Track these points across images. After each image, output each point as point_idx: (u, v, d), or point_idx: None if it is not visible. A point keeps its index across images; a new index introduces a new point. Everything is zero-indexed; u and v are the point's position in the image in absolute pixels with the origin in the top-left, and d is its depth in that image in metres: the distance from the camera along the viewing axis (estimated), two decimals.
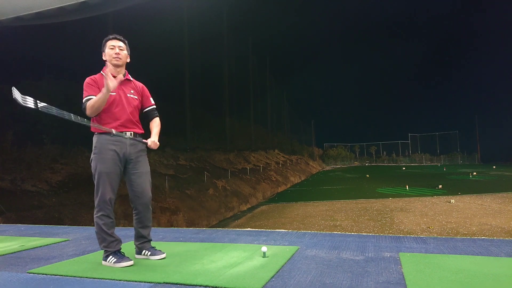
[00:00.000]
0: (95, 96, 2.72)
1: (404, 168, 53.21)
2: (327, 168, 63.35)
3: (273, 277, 2.40)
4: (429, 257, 2.76)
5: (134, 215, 2.95)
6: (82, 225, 7.94)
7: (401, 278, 2.29)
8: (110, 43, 2.87)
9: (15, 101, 2.48)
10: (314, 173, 48.43)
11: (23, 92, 2.48)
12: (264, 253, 2.91)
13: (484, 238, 3.42)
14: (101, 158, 2.77)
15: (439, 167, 53.09)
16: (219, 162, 23.81)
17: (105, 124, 2.79)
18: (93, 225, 2.86)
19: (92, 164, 2.83)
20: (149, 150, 3.03)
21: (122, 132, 2.84)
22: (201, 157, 21.93)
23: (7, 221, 7.70)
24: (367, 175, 37.83)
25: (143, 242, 2.96)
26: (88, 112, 2.76)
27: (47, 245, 3.79)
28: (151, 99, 3.10)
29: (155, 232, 4.40)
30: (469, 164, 61.21)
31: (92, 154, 2.85)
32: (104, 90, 2.65)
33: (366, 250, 3.07)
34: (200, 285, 2.29)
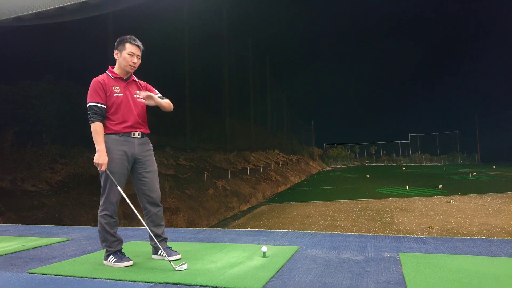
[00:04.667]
0: (101, 103, 2.75)
1: (404, 168, 53.20)
2: (327, 168, 63.34)
3: (273, 277, 2.40)
4: (429, 257, 2.76)
5: (145, 215, 2.93)
6: (82, 225, 7.94)
7: (401, 278, 2.29)
8: (131, 48, 2.86)
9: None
10: (314, 173, 48.42)
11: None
12: (264, 253, 2.91)
13: (484, 238, 3.42)
14: (109, 158, 2.75)
15: (439, 167, 53.08)
16: (219, 162, 23.81)
17: (113, 126, 2.80)
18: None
19: None
20: (154, 150, 3.03)
21: (130, 132, 2.84)
22: (201, 157, 21.93)
23: (7, 221, 7.70)
24: (367, 175, 37.82)
25: (159, 241, 2.92)
26: (91, 126, 2.78)
27: (47, 245, 3.80)
28: (155, 90, 3.11)
29: None
30: (469, 164, 61.18)
31: None
32: (97, 148, 2.70)
33: (366, 250, 3.07)
34: (200, 285, 2.29)
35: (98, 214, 2.78)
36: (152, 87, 3.12)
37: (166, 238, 3.01)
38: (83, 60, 14.29)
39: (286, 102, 60.01)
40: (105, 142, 2.77)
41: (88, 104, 2.75)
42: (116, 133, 2.79)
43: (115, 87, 2.83)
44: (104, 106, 2.77)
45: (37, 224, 6.91)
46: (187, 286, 2.30)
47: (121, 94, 2.83)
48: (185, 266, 2.66)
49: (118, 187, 2.76)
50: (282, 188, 27.41)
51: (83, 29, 13.58)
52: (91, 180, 11.83)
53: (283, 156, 42.61)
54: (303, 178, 37.61)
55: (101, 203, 2.79)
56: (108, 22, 16.17)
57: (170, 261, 2.69)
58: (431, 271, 2.41)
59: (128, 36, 2.90)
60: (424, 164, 68.01)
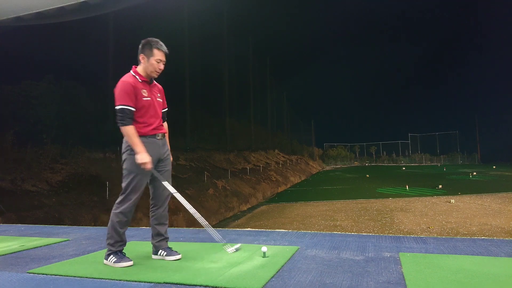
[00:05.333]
0: (131, 106, 2.74)
1: (404, 168, 53.18)
2: (327, 168, 63.31)
3: (273, 277, 2.40)
4: (429, 257, 2.76)
5: (151, 212, 2.98)
6: (82, 225, 7.94)
7: (401, 278, 2.29)
8: (159, 55, 2.88)
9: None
10: (314, 173, 48.41)
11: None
12: (264, 253, 2.91)
13: (484, 238, 3.42)
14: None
15: (439, 167, 53.06)
16: (219, 162, 23.80)
17: (141, 128, 2.81)
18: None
19: (126, 164, 2.82)
20: None
21: (155, 134, 2.90)
22: (201, 157, 21.93)
23: (7, 221, 7.69)
24: (367, 175, 37.80)
25: (160, 240, 2.98)
26: (121, 129, 2.76)
27: (47, 245, 3.80)
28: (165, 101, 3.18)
29: None
30: (469, 164, 61.14)
31: (126, 153, 2.83)
32: (138, 150, 2.70)
33: (366, 250, 3.07)
34: (200, 285, 2.29)
35: (113, 211, 2.81)
36: (163, 93, 3.17)
37: (167, 238, 3.04)
38: (83, 60, 14.27)
39: (286, 102, 60.00)
40: None
41: (120, 107, 2.72)
42: (144, 135, 2.82)
43: (143, 90, 2.86)
44: (134, 109, 2.78)
45: (37, 224, 6.91)
46: (187, 286, 2.31)
47: (149, 98, 2.87)
48: (238, 245, 3.01)
49: (140, 188, 2.82)
50: (282, 188, 27.41)
51: (83, 29, 13.56)
52: (91, 180, 11.83)
53: (283, 156, 42.60)
54: (303, 178, 37.60)
55: (118, 201, 2.81)
56: (108, 22, 16.16)
57: (224, 244, 2.95)
58: (431, 271, 2.41)
59: (155, 41, 2.90)
60: (424, 164, 67.98)
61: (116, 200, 2.86)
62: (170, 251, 2.97)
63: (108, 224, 2.83)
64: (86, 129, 13.71)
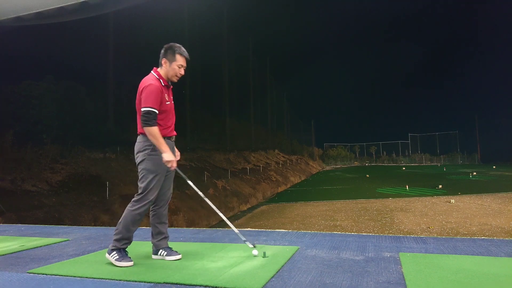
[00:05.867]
0: (157, 109, 2.80)
1: (404, 168, 53.18)
2: (327, 168, 63.31)
3: (273, 277, 2.40)
4: (429, 257, 2.76)
5: (152, 211, 3.02)
6: (82, 225, 7.94)
7: (401, 278, 2.29)
8: (181, 61, 2.98)
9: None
10: (314, 173, 48.40)
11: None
12: (264, 253, 2.91)
13: (484, 238, 3.42)
14: (157, 159, 2.82)
15: (439, 167, 53.06)
16: (219, 162, 23.80)
17: (161, 130, 2.86)
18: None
19: (145, 164, 2.86)
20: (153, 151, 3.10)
21: (171, 136, 3.00)
22: (201, 157, 21.92)
23: (7, 221, 7.69)
24: (367, 175, 37.80)
25: (161, 239, 3.01)
26: (146, 130, 2.79)
27: (47, 245, 3.80)
28: None
29: None
30: (469, 164, 61.14)
31: (144, 153, 2.87)
32: (164, 149, 2.77)
33: (366, 250, 3.07)
34: (200, 285, 2.30)
35: (129, 209, 2.83)
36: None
37: (168, 237, 3.07)
38: (83, 60, 14.28)
39: (286, 102, 60.02)
40: (151, 144, 2.83)
41: (148, 109, 2.77)
42: (163, 137, 2.86)
43: (166, 94, 2.93)
44: (158, 112, 2.83)
45: (37, 224, 6.91)
46: (187, 286, 2.31)
47: (169, 102, 2.96)
48: (251, 246, 3.00)
49: (158, 187, 2.89)
50: (282, 188, 27.41)
51: (83, 29, 13.57)
52: (91, 180, 11.83)
53: (283, 156, 42.60)
54: (303, 178, 37.60)
55: (136, 199, 2.84)
56: (108, 22, 16.15)
57: (245, 241, 3.00)
58: (431, 271, 2.41)
59: (178, 46, 2.99)
60: (424, 164, 67.99)
61: (132, 198, 2.89)
62: (170, 251, 2.99)
63: (121, 220, 2.84)
64: (86, 129, 13.70)
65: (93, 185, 11.58)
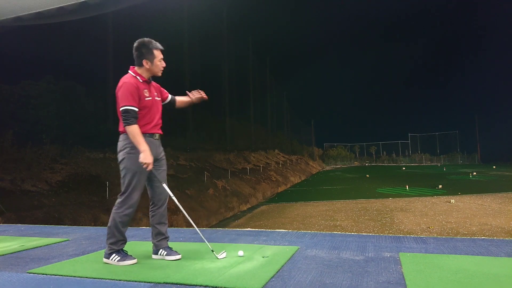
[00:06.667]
0: (136, 107, 2.78)
1: (404, 168, 53.18)
2: (327, 168, 63.32)
3: (273, 277, 2.40)
4: (429, 257, 2.76)
5: (151, 212, 3.02)
6: (82, 225, 7.94)
7: (401, 278, 2.29)
8: (160, 54, 2.96)
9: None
10: (314, 173, 48.41)
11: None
12: (264, 256, 2.92)
13: (484, 238, 3.42)
14: (136, 158, 2.79)
15: (439, 167, 53.07)
16: (219, 162, 23.80)
17: (141, 126, 2.84)
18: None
19: (125, 163, 2.84)
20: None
21: (153, 134, 2.96)
22: (201, 157, 21.92)
23: (7, 221, 7.69)
24: (367, 175, 37.81)
25: (161, 240, 3.01)
26: (126, 128, 2.77)
27: (47, 245, 3.79)
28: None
29: None
30: (469, 164, 61.15)
31: (123, 153, 2.86)
32: (142, 149, 2.73)
33: (366, 250, 3.07)
34: (200, 285, 2.29)
35: (115, 211, 2.82)
36: (161, 87, 3.22)
37: (168, 237, 3.07)
38: (83, 60, 14.28)
39: (286, 102, 60.03)
40: (131, 142, 2.81)
41: (124, 107, 2.76)
42: (143, 133, 2.84)
43: (145, 90, 2.90)
44: (137, 110, 2.81)
45: (37, 224, 6.91)
46: (187, 286, 2.30)
47: (150, 98, 2.93)
48: (224, 255, 2.87)
49: (140, 186, 2.87)
50: (282, 188, 27.41)
51: (83, 29, 13.57)
52: (91, 180, 11.83)
53: (283, 156, 42.59)
54: (303, 178, 37.59)
55: (119, 201, 2.83)
56: (108, 22, 16.15)
57: (212, 250, 2.87)
58: (431, 271, 2.41)
59: (149, 41, 2.94)
60: (424, 164, 68.00)
61: (116, 200, 2.87)
62: (170, 251, 2.99)
63: (109, 224, 2.83)
64: (86, 129, 13.70)
65: (93, 185, 11.58)
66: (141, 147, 2.73)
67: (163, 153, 3.12)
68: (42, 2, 5.08)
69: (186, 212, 3.08)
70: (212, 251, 2.90)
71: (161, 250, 2.99)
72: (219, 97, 30.73)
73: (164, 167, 3.11)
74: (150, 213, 3.02)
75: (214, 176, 19.57)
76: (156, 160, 2.97)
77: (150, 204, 3.03)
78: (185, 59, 23.94)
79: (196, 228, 3.10)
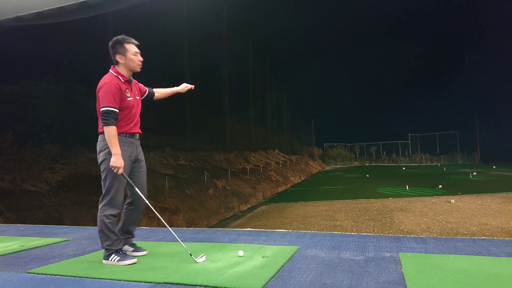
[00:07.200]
0: (116, 108, 2.75)
1: (404, 168, 53.18)
2: (327, 168, 63.32)
3: (273, 277, 2.40)
4: (429, 257, 2.76)
5: (127, 211, 3.01)
6: (82, 225, 7.94)
7: (401, 278, 2.29)
8: (133, 48, 2.91)
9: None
10: (314, 173, 48.41)
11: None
12: (264, 255, 2.91)
13: (484, 238, 3.41)
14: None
15: (439, 167, 53.07)
16: (219, 162, 23.80)
17: (123, 127, 2.83)
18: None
19: (106, 164, 2.81)
20: (149, 150, 3.09)
21: (133, 134, 2.94)
22: (201, 157, 21.92)
23: (7, 221, 7.69)
24: (367, 175, 37.81)
25: (127, 238, 3.06)
26: (104, 128, 2.74)
27: (47, 245, 3.79)
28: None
29: (155, 232, 4.40)
30: (469, 164, 61.15)
31: (103, 153, 2.83)
32: (114, 152, 2.71)
33: (366, 250, 3.07)
34: (200, 285, 2.29)
35: (101, 214, 2.80)
36: (140, 83, 3.20)
37: (134, 236, 3.15)
38: (83, 60, 14.27)
39: (286, 102, 60.01)
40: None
41: (105, 108, 2.73)
42: (123, 133, 2.84)
43: (127, 90, 2.89)
44: (118, 111, 2.79)
45: (37, 224, 6.91)
46: (187, 286, 2.30)
47: (131, 98, 2.91)
48: (203, 258, 2.82)
49: (122, 187, 2.87)
50: (282, 188, 27.41)
51: (83, 29, 13.56)
52: (91, 180, 11.83)
53: (283, 156, 42.59)
54: (303, 178, 37.60)
55: (104, 203, 2.81)
56: (108, 22, 16.16)
57: (191, 254, 2.81)
58: (431, 271, 2.41)
59: (121, 37, 2.92)
60: (424, 164, 67.98)
61: (99, 202, 2.85)
62: (136, 247, 3.08)
63: (99, 228, 2.80)
64: (85, 129, 13.67)
65: (92, 185, 11.57)
66: (113, 149, 2.70)
67: (142, 153, 3.08)
68: (42, 2, 5.08)
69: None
70: (190, 254, 2.81)
71: (126, 246, 3.05)
72: (219, 97, 30.73)
73: (144, 169, 3.07)
74: (125, 211, 3.00)
75: (214, 176, 19.57)
76: (136, 160, 2.97)
77: (127, 202, 3.02)
78: (185, 59, 23.92)
79: (170, 229, 3.11)
